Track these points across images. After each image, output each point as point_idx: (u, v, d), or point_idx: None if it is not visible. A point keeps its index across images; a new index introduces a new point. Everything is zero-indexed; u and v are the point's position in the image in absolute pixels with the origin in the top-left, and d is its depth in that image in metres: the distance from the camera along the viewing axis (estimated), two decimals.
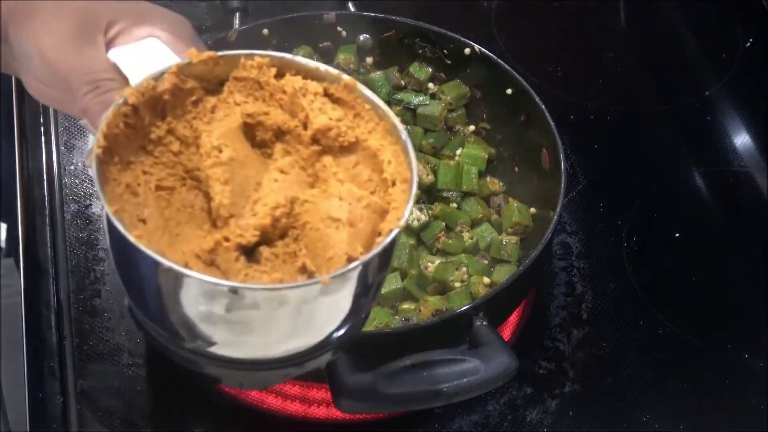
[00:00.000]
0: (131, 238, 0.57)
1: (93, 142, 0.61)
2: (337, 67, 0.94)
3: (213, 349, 0.61)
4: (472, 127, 1.02)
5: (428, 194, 0.97)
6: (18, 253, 0.96)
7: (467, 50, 0.99)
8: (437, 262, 0.91)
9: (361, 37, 1.03)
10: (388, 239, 0.59)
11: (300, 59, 0.65)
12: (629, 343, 0.94)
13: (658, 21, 1.28)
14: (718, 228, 1.06)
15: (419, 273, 0.90)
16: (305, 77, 0.65)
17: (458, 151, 1.00)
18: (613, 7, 1.31)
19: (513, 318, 0.93)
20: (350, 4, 1.10)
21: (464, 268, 0.90)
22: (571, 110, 1.14)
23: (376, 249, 0.58)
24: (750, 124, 1.14)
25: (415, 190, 0.60)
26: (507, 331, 0.93)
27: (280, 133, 0.65)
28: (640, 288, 0.98)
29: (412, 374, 0.73)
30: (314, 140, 0.64)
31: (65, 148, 1.05)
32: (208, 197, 0.62)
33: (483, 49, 0.98)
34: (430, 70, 1.02)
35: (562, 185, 0.86)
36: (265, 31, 0.97)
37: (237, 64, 0.65)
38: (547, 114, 0.91)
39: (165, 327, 0.63)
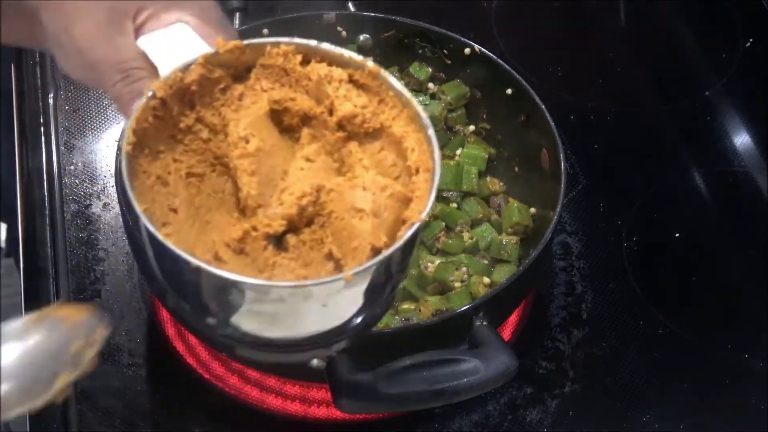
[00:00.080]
0: (160, 237, 0.58)
1: (123, 136, 0.62)
2: None
3: (242, 336, 0.63)
4: (472, 127, 1.02)
5: None
6: (18, 253, 0.96)
7: (467, 50, 0.99)
8: (437, 262, 0.91)
9: (361, 37, 1.03)
10: (410, 232, 0.59)
11: (325, 46, 0.65)
12: (629, 343, 0.94)
13: (658, 21, 1.28)
14: (718, 228, 1.06)
15: (419, 273, 0.90)
16: (330, 64, 0.65)
17: (458, 151, 1.00)
18: (613, 7, 1.31)
19: (513, 318, 0.93)
20: (350, 4, 1.10)
21: (464, 268, 0.90)
22: (571, 110, 1.14)
23: (398, 243, 0.59)
24: (750, 124, 1.14)
25: (437, 180, 0.61)
26: (507, 331, 0.93)
27: (306, 119, 0.65)
28: (640, 288, 0.98)
29: (412, 374, 0.72)
30: (340, 126, 0.64)
31: (65, 148, 1.05)
32: (237, 183, 0.63)
33: (483, 49, 0.98)
34: (430, 70, 1.02)
35: (562, 185, 0.86)
36: (265, 31, 0.97)
37: (263, 52, 0.65)
38: (547, 114, 0.91)
39: (195, 315, 0.64)
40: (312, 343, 0.65)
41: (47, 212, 0.98)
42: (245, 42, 0.64)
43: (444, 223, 0.94)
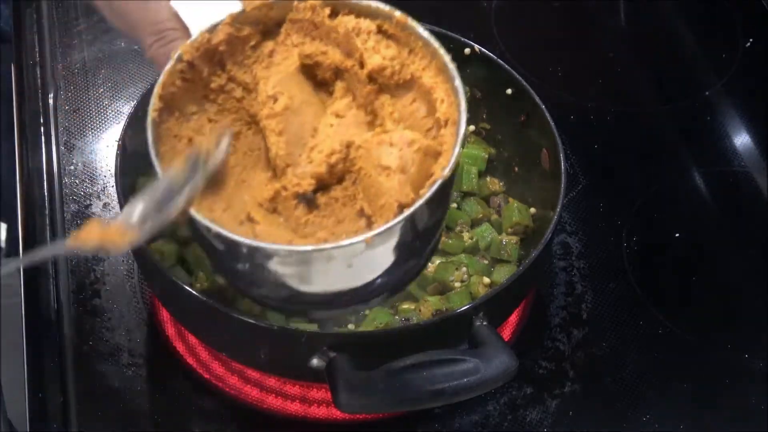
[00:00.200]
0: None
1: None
2: None
3: (277, 296, 0.65)
4: (472, 127, 1.02)
5: None
6: (18, 253, 0.96)
7: (467, 50, 0.98)
8: (437, 262, 0.91)
9: None
10: (433, 189, 0.60)
11: None
12: (629, 343, 0.94)
13: (658, 21, 1.28)
14: (718, 228, 1.06)
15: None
16: (358, 15, 0.65)
17: None
18: (613, 7, 1.31)
19: (513, 318, 0.93)
20: None
21: (464, 268, 0.90)
22: (571, 110, 1.14)
23: (420, 201, 0.59)
24: (750, 124, 1.14)
25: (462, 133, 0.61)
26: (507, 331, 0.93)
27: (339, 72, 0.65)
28: (640, 288, 0.98)
29: (412, 374, 0.72)
30: (371, 79, 0.64)
31: (65, 148, 1.05)
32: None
33: (483, 49, 0.98)
34: None
35: (562, 185, 0.86)
36: None
37: (291, 7, 0.66)
38: (547, 114, 0.91)
39: (233, 278, 0.69)
40: (349, 298, 0.67)
41: (47, 212, 0.98)
42: None
43: (444, 223, 0.94)
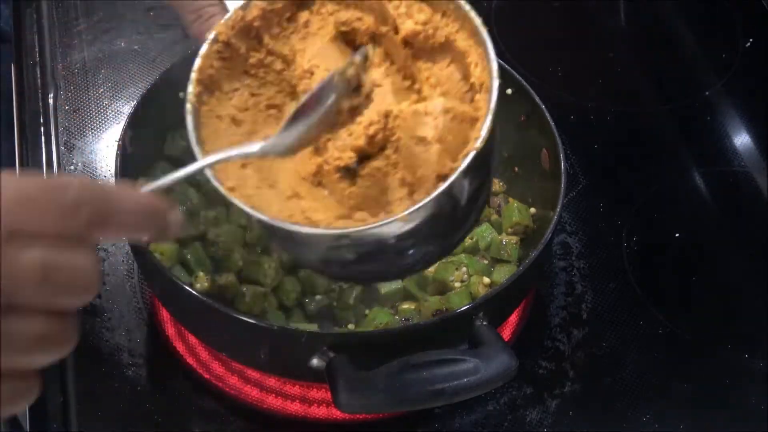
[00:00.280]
0: (224, 191, 0.60)
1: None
2: None
3: (330, 270, 0.66)
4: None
5: None
6: None
7: None
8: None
9: None
10: (467, 161, 0.59)
11: None
12: (629, 343, 0.94)
13: (658, 21, 1.28)
14: (718, 228, 1.06)
15: (419, 273, 0.90)
16: None
17: None
18: (613, 7, 1.31)
19: (513, 318, 0.93)
20: None
21: (464, 268, 0.90)
22: (571, 110, 1.14)
23: (454, 175, 0.59)
24: (750, 124, 1.14)
25: (494, 100, 0.60)
26: (507, 331, 0.93)
27: (375, 37, 0.65)
28: (640, 288, 0.98)
29: (412, 374, 0.72)
30: (406, 43, 0.64)
31: (65, 148, 1.05)
32: None
33: None
34: None
35: (562, 185, 0.86)
36: None
37: None
38: (547, 114, 0.91)
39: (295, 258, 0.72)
40: (401, 270, 0.69)
41: None
42: None
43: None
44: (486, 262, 0.92)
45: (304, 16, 0.66)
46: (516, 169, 0.98)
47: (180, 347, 0.91)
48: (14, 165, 1.03)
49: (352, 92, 0.62)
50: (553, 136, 0.90)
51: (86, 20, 1.19)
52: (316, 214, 0.62)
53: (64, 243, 0.43)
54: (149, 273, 0.87)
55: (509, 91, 0.96)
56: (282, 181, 0.63)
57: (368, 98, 0.62)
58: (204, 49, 0.63)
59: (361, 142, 0.62)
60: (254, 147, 0.59)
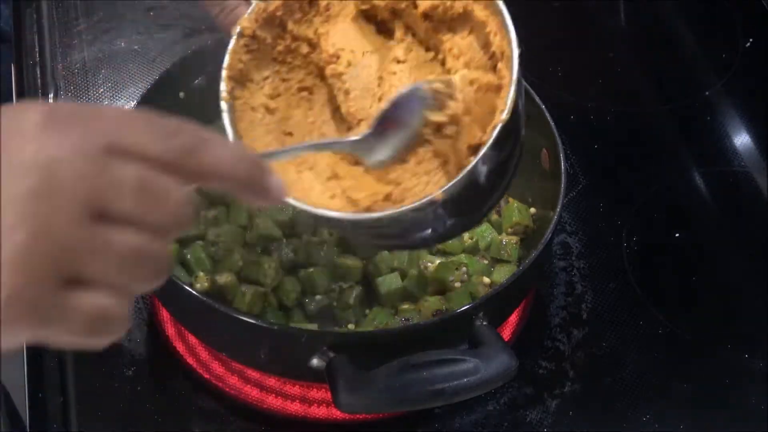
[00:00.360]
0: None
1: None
2: None
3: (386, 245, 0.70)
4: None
5: None
6: None
7: None
8: (437, 262, 0.91)
9: None
10: (495, 134, 0.60)
11: None
12: (629, 343, 0.94)
13: (658, 21, 1.28)
14: (718, 228, 1.06)
15: (419, 273, 0.90)
16: None
17: None
18: (613, 7, 1.31)
19: (513, 318, 0.93)
20: None
21: (464, 268, 0.90)
22: (571, 110, 1.14)
23: (482, 151, 0.61)
24: (750, 124, 1.14)
25: (516, 68, 0.62)
26: (507, 331, 0.93)
27: (396, 13, 0.67)
28: (640, 288, 0.98)
29: (412, 374, 0.72)
30: (426, 17, 0.65)
31: None
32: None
33: None
34: None
35: (562, 185, 0.86)
36: None
37: None
38: (547, 114, 0.91)
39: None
40: (446, 235, 0.72)
41: None
42: None
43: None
44: (486, 262, 0.92)
45: (323, 0, 0.67)
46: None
47: (180, 347, 0.91)
48: None
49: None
50: (553, 136, 0.90)
51: (86, 20, 1.19)
52: (355, 193, 0.64)
53: (161, 169, 0.44)
54: None
55: None
56: (320, 162, 0.65)
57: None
58: (231, 45, 0.65)
59: None
60: (350, 139, 0.61)
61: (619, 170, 1.10)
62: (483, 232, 0.94)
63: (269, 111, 0.66)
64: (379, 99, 0.64)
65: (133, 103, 0.90)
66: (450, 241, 0.93)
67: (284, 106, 0.67)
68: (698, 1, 1.30)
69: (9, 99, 1.10)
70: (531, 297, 0.95)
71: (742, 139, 1.13)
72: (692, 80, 1.21)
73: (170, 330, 0.92)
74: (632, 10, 1.30)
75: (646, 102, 1.18)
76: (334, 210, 0.63)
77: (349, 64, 0.65)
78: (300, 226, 0.90)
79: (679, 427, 0.87)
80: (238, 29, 0.65)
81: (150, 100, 0.88)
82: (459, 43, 0.65)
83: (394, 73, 0.65)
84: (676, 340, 0.94)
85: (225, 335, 0.82)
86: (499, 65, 0.63)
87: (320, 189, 0.65)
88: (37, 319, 0.43)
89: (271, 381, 0.88)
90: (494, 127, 0.61)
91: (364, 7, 0.67)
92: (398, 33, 0.67)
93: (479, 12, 0.64)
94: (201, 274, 0.87)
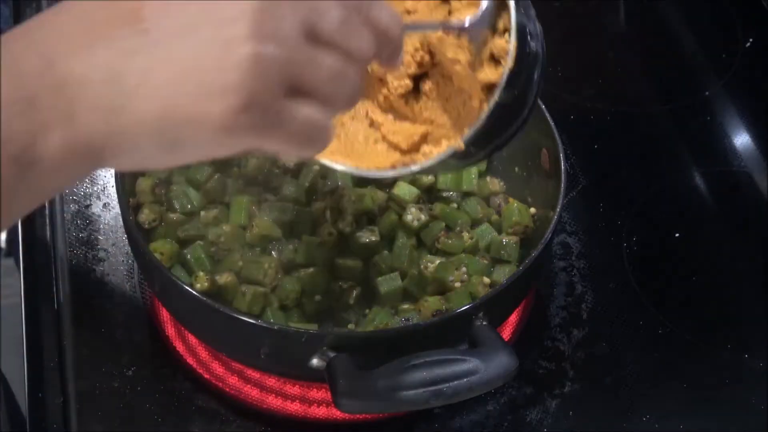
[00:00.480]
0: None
1: None
2: None
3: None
4: None
5: (428, 194, 0.97)
6: (18, 253, 0.96)
7: None
8: (437, 262, 0.91)
9: None
10: (504, 80, 0.66)
11: None
12: (629, 343, 0.94)
13: (658, 21, 1.28)
14: (718, 228, 1.06)
15: (419, 273, 0.90)
16: None
17: None
18: (613, 7, 1.31)
19: (513, 318, 0.93)
20: None
21: (464, 268, 0.90)
22: (571, 110, 1.14)
23: (493, 98, 0.66)
24: (750, 124, 1.14)
25: (513, 6, 0.66)
26: (507, 331, 0.93)
27: None
28: (640, 288, 0.98)
29: (412, 374, 0.72)
30: None
31: None
32: None
33: None
34: None
35: (562, 185, 0.86)
36: None
37: None
38: (547, 114, 0.91)
39: None
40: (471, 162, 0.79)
41: (47, 212, 0.98)
42: None
43: (444, 223, 0.94)
44: (486, 262, 0.92)
45: None
46: (516, 169, 0.98)
47: (180, 347, 0.91)
48: None
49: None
50: (553, 136, 0.90)
51: None
52: (395, 136, 0.72)
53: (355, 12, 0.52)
54: (149, 273, 0.87)
55: None
56: (360, 110, 0.73)
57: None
58: None
59: (413, 69, 0.70)
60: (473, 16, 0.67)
61: (619, 170, 1.10)
62: (483, 232, 0.94)
63: None
64: None
65: None
66: (450, 241, 0.93)
67: None
68: (698, 1, 1.30)
69: None
70: (531, 297, 0.95)
71: (742, 139, 1.13)
72: (692, 80, 1.21)
73: (170, 330, 0.92)
74: (632, 10, 1.30)
75: (646, 102, 1.18)
76: (383, 163, 0.70)
77: None
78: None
79: (679, 427, 0.87)
80: None
81: None
82: None
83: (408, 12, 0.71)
84: (676, 340, 0.94)
85: (225, 335, 0.82)
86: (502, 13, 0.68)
87: (364, 135, 0.72)
88: (264, 126, 0.49)
89: (271, 381, 0.88)
90: (501, 75, 0.66)
91: None
92: None
93: None
94: (201, 274, 0.87)
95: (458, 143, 0.68)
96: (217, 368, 0.89)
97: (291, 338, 0.77)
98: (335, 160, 0.72)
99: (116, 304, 0.93)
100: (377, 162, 0.72)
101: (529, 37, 0.67)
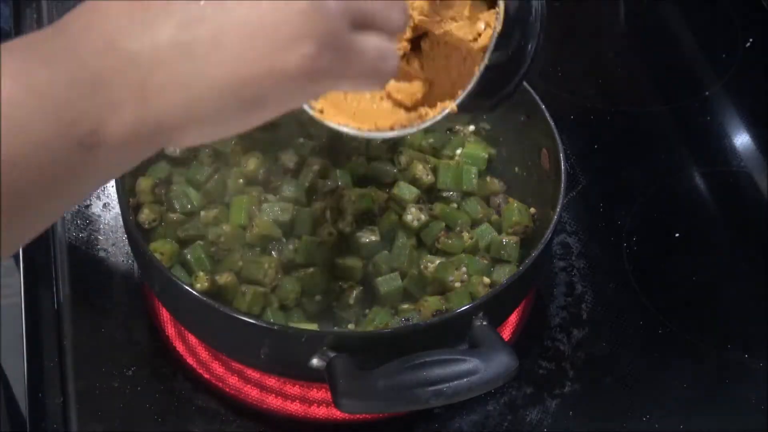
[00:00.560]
0: (311, 112, 0.70)
1: None
2: None
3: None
4: (472, 127, 1.02)
5: (428, 194, 0.97)
6: (18, 253, 0.96)
7: None
8: (437, 262, 0.91)
9: None
10: (492, 45, 0.66)
11: None
12: (629, 343, 0.94)
13: (658, 21, 1.28)
14: (718, 228, 1.06)
15: (419, 273, 0.90)
16: None
17: (458, 151, 1.00)
18: (613, 7, 1.31)
19: (513, 318, 0.93)
20: None
21: (464, 268, 0.90)
22: (571, 110, 1.14)
23: (485, 58, 0.67)
24: (750, 124, 1.14)
25: None
26: (507, 331, 0.93)
27: None
28: (640, 288, 0.98)
29: (412, 374, 0.72)
30: None
31: None
32: None
33: None
34: None
35: (562, 185, 0.86)
36: None
37: None
38: (547, 114, 0.91)
39: None
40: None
41: None
42: None
43: (444, 223, 0.94)
44: (486, 262, 0.92)
45: None
46: (516, 169, 0.98)
47: (180, 347, 0.91)
48: None
49: None
50: (553, 136, 0.90)
51: None
52: (399, 94, 0.73)
53: None
54: (149, 273, 0.87)
55: None
56: None
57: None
58: None
59: (409, 34, 0.72)
60: None
61: (619, 170, 1.10)
62: (483, 232, 0.94)
63: None
64: None
65: None
66: (450, 241, 0.93)
67: None
68: (698, 1, 1.30)
69: None
70: (531, 297, 0.95)
71: (742, 139, 1.13)
72: (692, 80, 1.21)
73: (170, 330, 0.92)
74: (632, 10, 1.30)
75: (646, 102, 1.18)
76: (383, 124, 0.71)
77: None
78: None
79: (679, 427, 0.87)
80: None
81: None
82: None
83: None
84: (676, 340, 0.94)
85: (225, 335, 0.82)
86: None
87: (371, 95, 0.73)
88: (340, 64, 0.51)
89: (271, 381, 0.88)
90: (491, 37, 0.67)
91: None
92: None
93: None
94: (201, 274, 0.87)
95: (452, 106, 0.69)
96: (217, 368, 0.89)
97: (291, 338, 0.77)
98: (339, 121, 0.72)
99: (116, 304, 0.93)
100: (379, 122, 0.73)
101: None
